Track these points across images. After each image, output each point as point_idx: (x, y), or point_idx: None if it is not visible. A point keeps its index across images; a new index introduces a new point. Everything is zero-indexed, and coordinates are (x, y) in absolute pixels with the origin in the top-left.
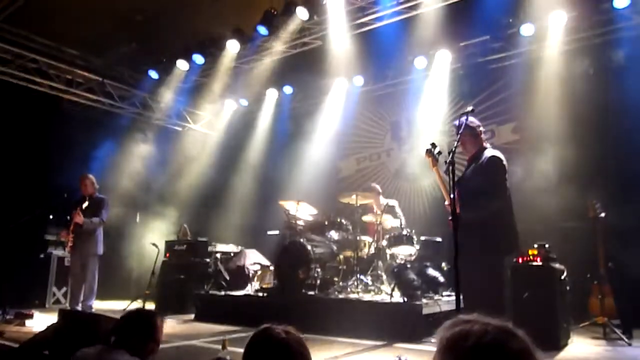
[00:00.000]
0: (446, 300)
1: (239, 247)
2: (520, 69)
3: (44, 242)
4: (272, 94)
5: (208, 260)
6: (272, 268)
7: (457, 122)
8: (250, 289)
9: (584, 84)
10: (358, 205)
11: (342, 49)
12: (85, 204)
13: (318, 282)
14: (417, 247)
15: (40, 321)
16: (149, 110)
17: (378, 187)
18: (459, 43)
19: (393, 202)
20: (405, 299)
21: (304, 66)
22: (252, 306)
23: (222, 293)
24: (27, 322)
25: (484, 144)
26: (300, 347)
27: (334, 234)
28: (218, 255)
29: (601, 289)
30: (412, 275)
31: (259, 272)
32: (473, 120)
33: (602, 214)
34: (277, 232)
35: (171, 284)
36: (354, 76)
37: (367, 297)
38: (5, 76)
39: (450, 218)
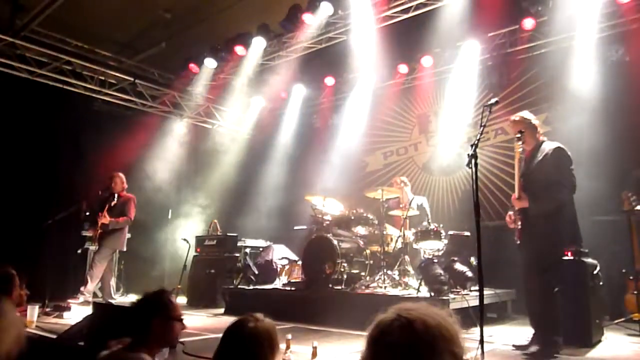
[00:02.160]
0: (474, 296)
1: (267, 242)
2: (552, 58)
3: (81, 238)
4: (298, 90)
5: (237, 255)
6: (299, 263)
7: (516, 118)
8: (278, 284)
9: (619, 72)
10: (384, 199)
11: (367, 42)
12: (114, 202)
13: (345, 277)
14: (445, 241)
15: (77, 313)
16: (179, 109)
17: (405, 179)
18: (486, 33)
19: (421, 199)
20: (432, 294)
21: (330, 61)
22: (280, 300)
23: (251, 287)
24: (65, 314)
25: (541, 137)
26: (267, 334)
27: (360, 229)
28: (247, 250)
29: (637, 285)
30: (439, 270)
31: (287, 267)
32: (531, 115)
33: (638, 207)
34: (304, 227)
35: (202, 278)
36: (380, 70)
37: (394, 292)
38: (42, 78)
39: (516, 211)
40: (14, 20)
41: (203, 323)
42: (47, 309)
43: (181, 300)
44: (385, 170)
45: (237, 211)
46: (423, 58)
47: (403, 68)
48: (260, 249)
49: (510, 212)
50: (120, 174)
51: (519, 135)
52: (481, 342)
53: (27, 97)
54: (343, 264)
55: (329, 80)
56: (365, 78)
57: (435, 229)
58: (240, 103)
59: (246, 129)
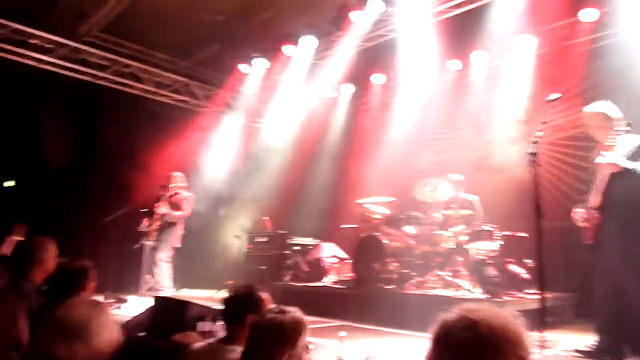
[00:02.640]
0: (530, 298)
1: (316, 240)
2: (614, 50)
3: (138, 233)
4: (347, 89)
5: (287, 252)
6: (349, 261)
7: (594, 109)
8: (327, 281)
9: None
10: (434, 199)
11: (418, 39)
12: (171, 197)
13: (394, 276)
14: (499, 242)
15: (134, 305)
16: (231, 109)
17: (458, 178)
18: (544, 26)
19: (473, 198)
20: (486, 296)
21: (380, 59)
22: (329, 298)
23: (301, 284)
24: (123, 305)
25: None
26: (279, 328)
27: (410, 228)
28: (296, 248)
29: None
30: (493, 272)
31: (336, 265)
32: (611, 105)
33: None
34: (353, 225)
35: (253, 274)
36: (429, 66)
37: (445, 292)
38: (103, 81)
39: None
40: (77, 27)
41: None
42: (108, 301)
43: None
44: (436, 169)
45: (286, 209)
46: (476, 53)
47: (455, 64)
48: (310, 247)
49: (580, 209)
50: (178, 173)
51: (623, 127)
52: (541, 346)
53: (85, 99)
54: (393, 263)
55: (379, 78)
56: (415, 75)
57: (488, 229)
58: (289, 102)
59: (295, 128)
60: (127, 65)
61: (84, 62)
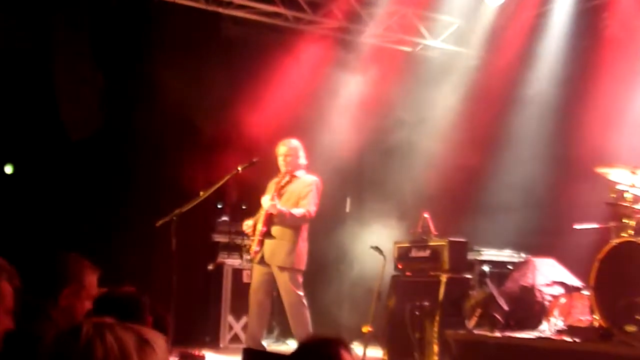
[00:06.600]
0: None
1: (523, 254)
2: None
3: (213, 245)
4: None
5: (469, 275)
6: (586, 292)
7: None
8: (547, 329)
9: None
10: None
11: None
12: (290, 185)
13: None
14: None
15: None
16: (357, 22)
17: None
18: None
19: None
20: None
21: None
22: (553, 358)
23: (498, 334)
24: None
25: None
26: None
27: None
28: (486, 268)
29: None
30: None
31: (563, 300)
32: None
33: None
34: (594, 225)
35: (407, 315)
36: None
37: None
38: None
39: None
40: None
41: None
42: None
43: (375, 352)
44: None
45: (461, 201)
46: None
47: None
48: (510, 266)
49: None
50: (294, 142)
51: None
52: None
53: (118, 27)
54: None
55: None
56: None
57: None
58: (460, 5)
59: (474, 49)
60: None
61: None
